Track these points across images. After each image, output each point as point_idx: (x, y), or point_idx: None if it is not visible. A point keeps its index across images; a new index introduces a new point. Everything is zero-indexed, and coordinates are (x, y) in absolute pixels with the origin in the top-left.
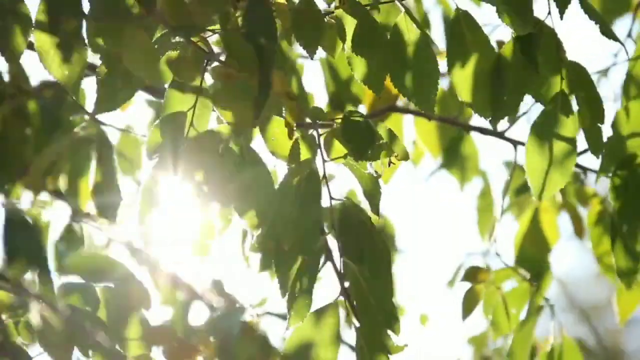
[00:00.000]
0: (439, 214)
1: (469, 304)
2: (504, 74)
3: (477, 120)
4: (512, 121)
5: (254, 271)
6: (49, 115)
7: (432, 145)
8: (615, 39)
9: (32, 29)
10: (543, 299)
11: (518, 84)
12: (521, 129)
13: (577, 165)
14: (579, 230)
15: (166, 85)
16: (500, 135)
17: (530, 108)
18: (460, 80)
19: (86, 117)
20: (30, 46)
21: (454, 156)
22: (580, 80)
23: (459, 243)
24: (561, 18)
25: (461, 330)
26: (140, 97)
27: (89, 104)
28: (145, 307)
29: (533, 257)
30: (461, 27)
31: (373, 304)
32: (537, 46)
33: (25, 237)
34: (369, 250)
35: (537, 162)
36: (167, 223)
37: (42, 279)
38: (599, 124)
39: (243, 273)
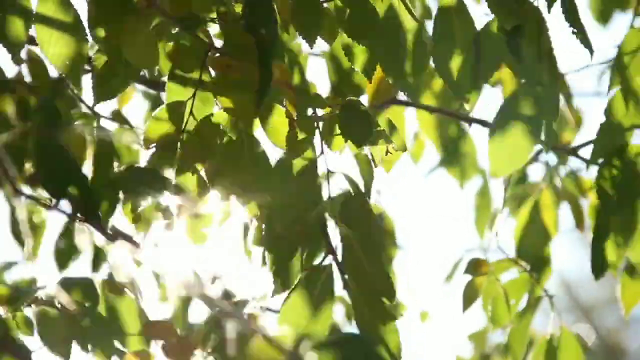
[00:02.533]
0: (438, 210)
1: (469, 296)
2: (481, 47)
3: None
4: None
5: (256, 265)
6: (48, 109)
7: (434, 137)
8: (591, 48)
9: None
10: (542, 290)
11: (493, 54)
12: None
13: (577, 156)
14: (579, 223)
15: (165, 78)
16: None
17: None
18: (440, 60)
19: (86, 110)
20: (31, 40)
21: (453, 155)
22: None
23: (457, 239)
24: (549, 12)
25: (461, 327)
26: (138, 91)
27: (87, 99)
28: None
29: (533, 249)
30: (450, 13)
31: (367, 270)
32: (523, 35)
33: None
34: (362, 220)
35: (498, 141)
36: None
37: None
38: (550, 120)
39: (245, 267)
